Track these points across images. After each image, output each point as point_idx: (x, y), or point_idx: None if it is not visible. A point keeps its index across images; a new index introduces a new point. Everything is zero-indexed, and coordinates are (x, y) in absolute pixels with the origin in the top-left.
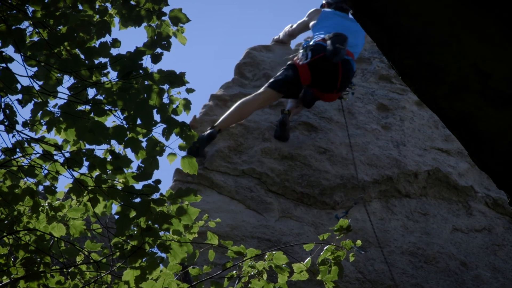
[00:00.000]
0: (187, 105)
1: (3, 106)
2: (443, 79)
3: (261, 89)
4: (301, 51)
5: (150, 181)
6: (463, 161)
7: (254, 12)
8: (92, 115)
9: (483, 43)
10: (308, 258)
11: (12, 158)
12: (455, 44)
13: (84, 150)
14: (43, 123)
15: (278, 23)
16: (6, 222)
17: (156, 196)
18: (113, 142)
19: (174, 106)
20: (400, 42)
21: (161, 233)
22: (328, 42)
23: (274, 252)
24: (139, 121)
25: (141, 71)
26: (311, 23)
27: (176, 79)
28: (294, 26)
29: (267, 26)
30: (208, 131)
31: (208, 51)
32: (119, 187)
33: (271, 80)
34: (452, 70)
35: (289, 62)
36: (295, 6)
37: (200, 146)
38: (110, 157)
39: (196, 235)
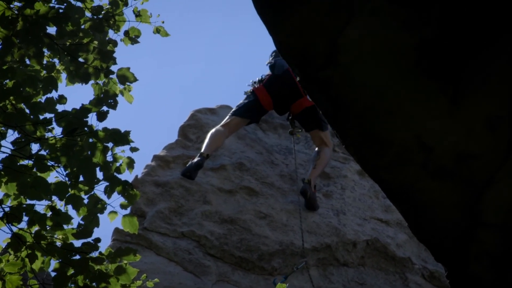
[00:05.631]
0: (130, 163)
1: None
2: (386, 150)
3: (226, 118)
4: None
5: (89, 239)
6: (402, 232)
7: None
8: (34, 170)
9: (427, 116)
10: None
11: None
12: (400, 116)
13: (24, 205)
14: None
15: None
16: None
17: (95, 254)
18: (54, 198)
19: (118, 164)
20: (345, 111)
21: None
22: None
23: None
24: (81, 178)
25: (86, 129)
26: None
27: (120, 137)
28: None
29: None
30: (196, 159)
31: (153, 108)
32: (58, 244)
33: (234, 108)
34: (395, 142)
35: (249, 91)
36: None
37: (191, 175)
38: (51, 213)
39: None
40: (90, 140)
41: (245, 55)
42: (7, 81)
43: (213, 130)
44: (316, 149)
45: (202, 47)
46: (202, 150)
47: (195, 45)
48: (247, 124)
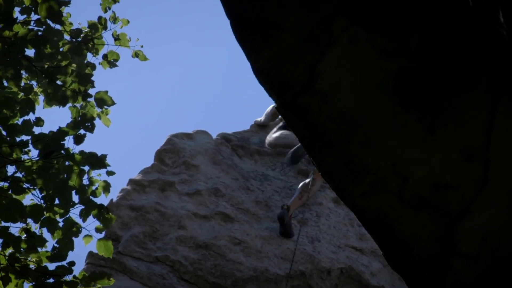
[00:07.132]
0: (106, 187)
1: None
2: (362, 178)
3: None
4: None
5: (64, 263)
6: (376, 261)
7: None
8: (10, 192)
9: (403, 145)
10: None
11: None
12: (376, 144)
13: None
14: None
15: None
16: None
17: (69, 277)
18: (29, 220)
19: (94, 188)
20: (322, 139)
21: None
22: None
23: None
24: (57, 201)
25: (62, 151)
26: None
27: (97, 161)
28: None
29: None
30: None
31: (129, 131)
32: (32, 266)
33: None
34: (371, 170)
35: None
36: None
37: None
38: (25, 236)
39: None
40: (67, 163)
41: (228, 59)
42: None
43: None
44: (310, 178)
45: (179, 55)
46: None
47: (172, 54)
48: None
